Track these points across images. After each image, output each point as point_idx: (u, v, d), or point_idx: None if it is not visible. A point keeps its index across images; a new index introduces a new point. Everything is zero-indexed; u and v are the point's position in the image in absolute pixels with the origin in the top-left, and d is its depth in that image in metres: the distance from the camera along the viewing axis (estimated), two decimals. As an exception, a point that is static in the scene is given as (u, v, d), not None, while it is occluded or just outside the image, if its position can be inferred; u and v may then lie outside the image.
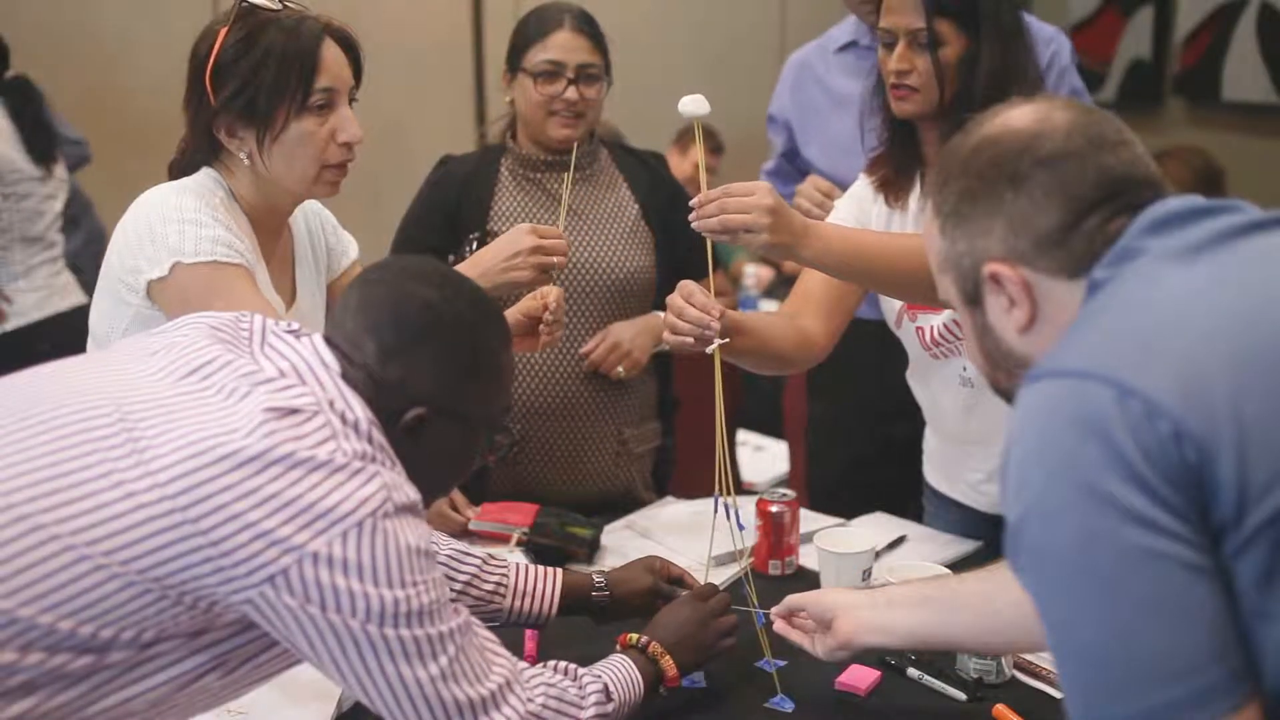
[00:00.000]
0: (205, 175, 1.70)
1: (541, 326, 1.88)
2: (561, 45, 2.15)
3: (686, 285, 1.68)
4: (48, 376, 1.24)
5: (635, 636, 1.49)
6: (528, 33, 2.19)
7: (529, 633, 1.70)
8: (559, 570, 1.65)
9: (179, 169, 1.72)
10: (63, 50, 3.73)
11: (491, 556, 1.63)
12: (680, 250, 2.26)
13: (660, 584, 1.65)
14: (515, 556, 1.97)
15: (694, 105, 1.65)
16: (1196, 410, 0.94)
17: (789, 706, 1.54)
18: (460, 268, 1.68)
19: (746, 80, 5.76)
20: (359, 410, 1.19)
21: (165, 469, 1.11)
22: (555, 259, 1.70)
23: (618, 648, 1.49)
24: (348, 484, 1.12)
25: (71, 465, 1.11)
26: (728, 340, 1.68)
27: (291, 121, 1.63)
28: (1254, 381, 0.95)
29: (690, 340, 1.66)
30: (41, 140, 3.51)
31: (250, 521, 1.10)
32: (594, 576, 1.65)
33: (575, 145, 2.16)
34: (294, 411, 1.14)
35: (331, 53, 1.65)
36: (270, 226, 1.74)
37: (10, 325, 3.39)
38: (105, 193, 3.76)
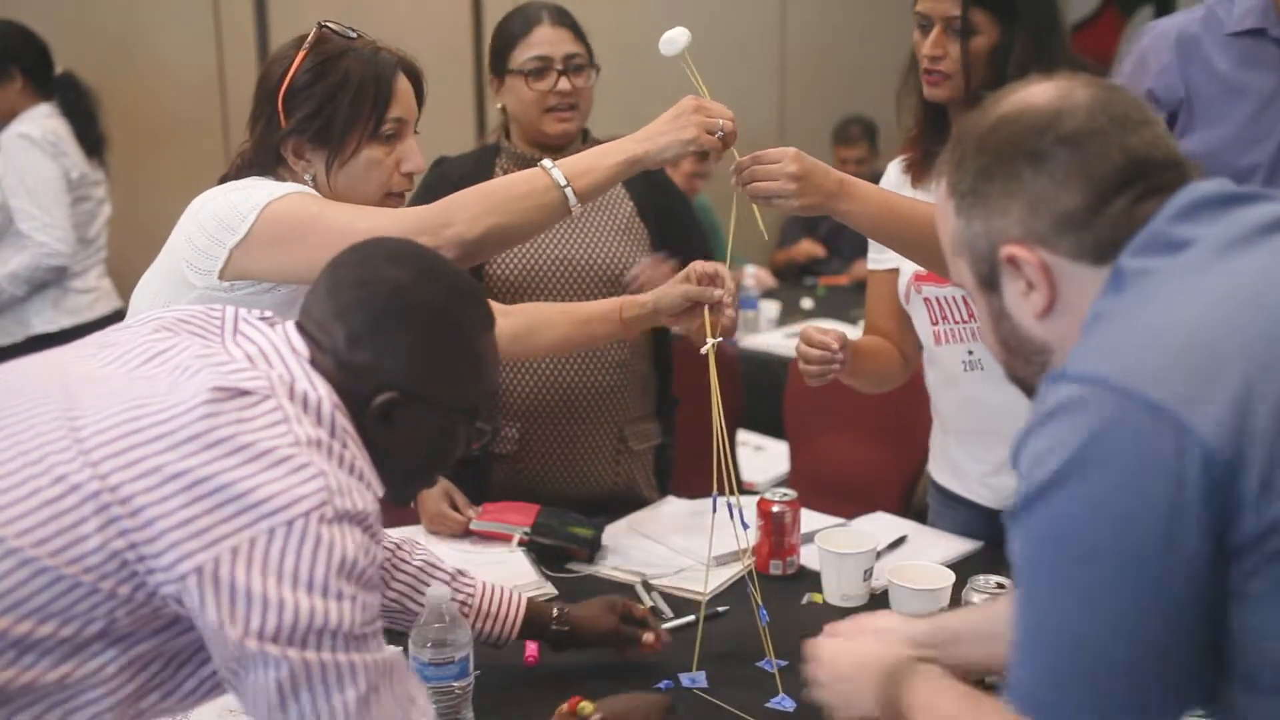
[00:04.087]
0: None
1: (728, 314, 1.86)
2: (544, 39, 2.17)
3: (806, 331, 1.85)
4: (12, 371, 1.23)
5: (587, 706, 1.43)
6: (508, 35, 2.20)
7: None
8: (523, 597, 1.65)
9: (232, 181, 1.71)
10: (64, 49, 3.72)
11: (461, 573, 1.63)
12: (675, 243, 2.26)
13: (621, 627, 1.63)
14: (516, 556, 1.98)
15: (673, 44, 1.64)
16: (1242, 444, 0.91)
17: (790, 706, 1.55)
18: (628, 139, 1.63)
19: (746, 80, 5.77)
20: (322, 391, 1.15)
21: (98, 447, 1.07)
22: (721, 121, 1.62)
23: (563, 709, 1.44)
24: (285, 478, 1.07)
25: (10, 454, 1.10)
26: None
27: (362, 149, 1.64)
28: None
29: (815, 372, 1.84)
30: (93, 135, 3.56)
31: (177, 506, 1.05)
32: (554, 610, 1.64)
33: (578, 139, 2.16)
34: (243, 393, 1.10)
35: (403, 84, 1.67)
36: None
37: (67, 323, 3.47)
38: (109, 191, 3.76)
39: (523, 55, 2.17)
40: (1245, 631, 0.94)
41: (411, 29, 4.67)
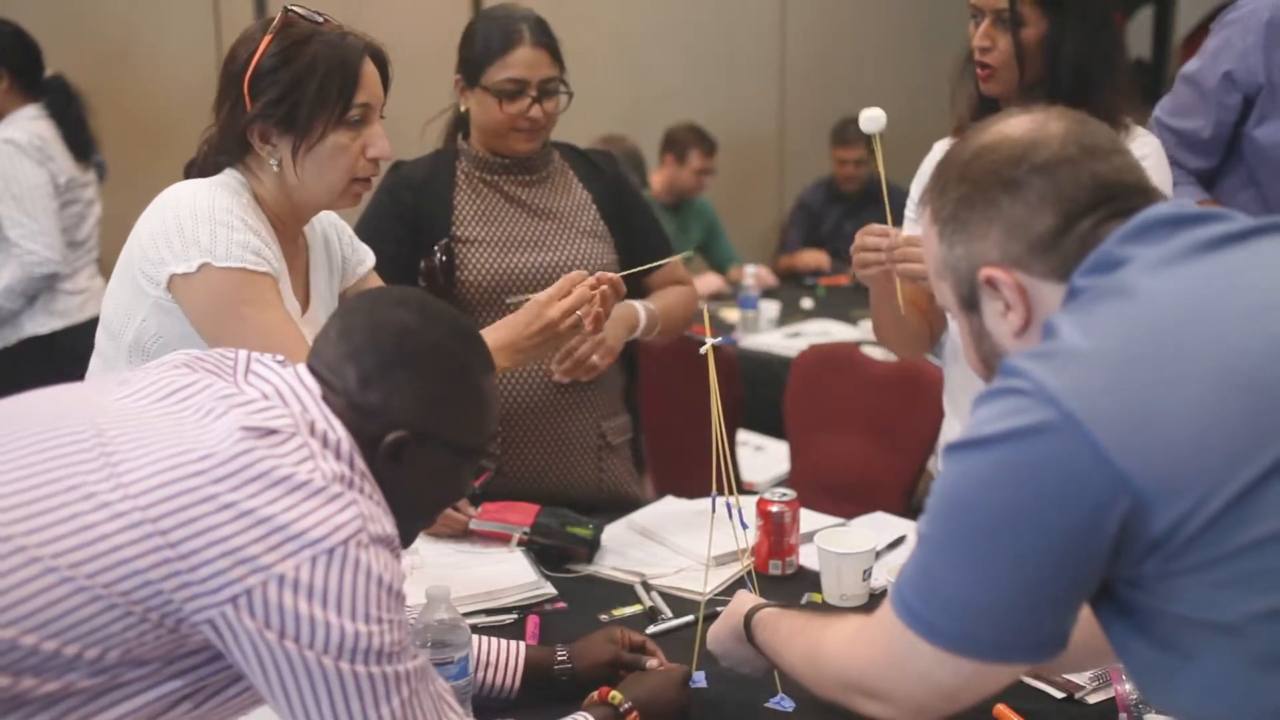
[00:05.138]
0: (230, 176, 1.70)
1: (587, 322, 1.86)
2: (523, 62, 2.11)
3: (870, 228, 1.85)
4: (32, 400, 1.25)
5: (616, 695, 1.47)
6: (484, 49, 2.14)
7: (530, 622, 1.70)
8: (521, 644, 1.61)
9: (198, 169, 1.72)
10: (64, 49, 3.72)
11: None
12: (637, 242, 2.27)
13: (621, 653, 1.61)
14: (516, 556, 1.98)
15: (875, 122, 1.81)
16: (1169, 482, 0.98)
17: (789, 706, 1.55)
18: (496, 347, 1.65)
19: (746, 80, 5.77)
20: (340, 431, 1.18)
21: (139, 481, 1.10)
22: (580, 318, 1.78)
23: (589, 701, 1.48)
24: (323, 508, 1.12)
25: (43, 479, 1.11)
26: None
27: (328, 134, 1.65)
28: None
29: (873, 259, 1.83)
30: (82, 139, 3.54)
31: (221, 537, 1.09)
32: (555, 651, 1.61)
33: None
34: (272, 432, 1.14)
35: (370, 69, 1.68)
36: (289, 233, 1.75)
37: (59, 325, 3.46)
38: (106, 190, 3.76)
39: (498, 74, 2.12)
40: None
41: (411, 28, 4.67)
